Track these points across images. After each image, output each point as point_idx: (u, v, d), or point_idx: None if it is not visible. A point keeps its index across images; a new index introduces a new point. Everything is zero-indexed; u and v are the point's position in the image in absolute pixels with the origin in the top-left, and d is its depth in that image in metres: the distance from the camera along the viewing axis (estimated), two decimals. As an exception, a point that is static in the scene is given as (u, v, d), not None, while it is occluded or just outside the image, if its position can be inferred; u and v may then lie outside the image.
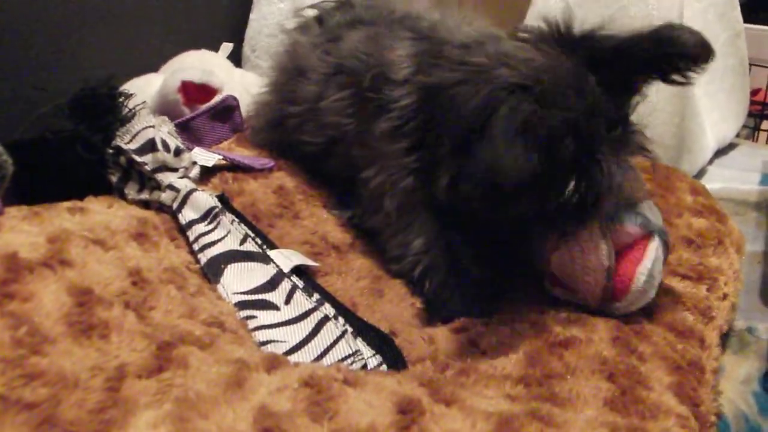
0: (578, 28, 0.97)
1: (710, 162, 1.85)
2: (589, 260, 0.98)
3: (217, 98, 1.48)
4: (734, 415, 0.98)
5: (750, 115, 3.01)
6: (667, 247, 1.04)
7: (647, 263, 0.99)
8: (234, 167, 1.27)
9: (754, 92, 3.27)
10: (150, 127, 1.15)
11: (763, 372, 1.06)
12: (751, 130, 3.20)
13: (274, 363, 0.81)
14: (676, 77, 0.95)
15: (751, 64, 2.70)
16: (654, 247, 1.01)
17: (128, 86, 1.48)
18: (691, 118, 1.67)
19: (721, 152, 1.95)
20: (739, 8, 1.97)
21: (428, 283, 1.08)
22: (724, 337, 1.09)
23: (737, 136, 2.21)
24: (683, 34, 0.92)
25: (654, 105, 1.55)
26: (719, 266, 1.16)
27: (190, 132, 1.40)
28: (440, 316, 1.05)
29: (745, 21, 2.07)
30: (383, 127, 1.09)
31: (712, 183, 1.71)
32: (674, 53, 0.93)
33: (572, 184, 0.94)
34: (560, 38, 0.98)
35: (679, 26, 0.94)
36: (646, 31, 0.93)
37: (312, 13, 1.45)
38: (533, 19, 1.67)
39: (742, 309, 1.17)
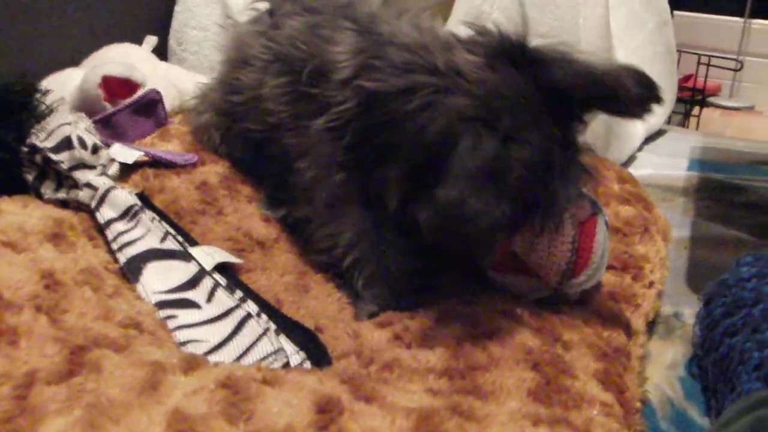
0: (530, 45, 0.94)
1: (639, 148, 1.88)
2: (555, 242, 0.98)
3: (139, 93, 1.45)
4: (660, 400, 0.99)
5: (681, 101, 3.06)
6: (607, 227, 1.05)
7: (600, 237, 1.01)
8: (156, 163, 1.25)
9: (686, 78, 3.31)
10: (66, 124, 1.12)
11: (689, 357, 1.06)
12: (682, 116, 3.25)
13: (191, 364, 0.79)
14: (623, 113, 0.95)
15: (681, 51, 2.73)
16: (602, 223, 1.03)
17: (48, 81, 1.45)
18: (619, 106, 1.68)
19: (650, 139, 1.97)
20: (666, -3, 2.00)
21: (357, 275, 1.07)
22: (651, 324, 1.10)
23: (668, 121, 2.24)
24: (627, 81, 0.89)
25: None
26: (645, 254, 1.17)
27: (112, 128, 1.38)
28: (368, 311, 1.04)
29: (676, 8, 2.10)
30: (320, 125, 1.07)
31: (642, 169, 1.73)
32: (617, 99, 0.91)
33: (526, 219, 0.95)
34: (514, 56, 0.94)
35: (626, 71, 0.91)
36: (594, 73, 0.91)
37: (264, 6, 1.43)
38: (460, 8, 1.67)
39: (669, 294, 1.19)
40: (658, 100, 0.91)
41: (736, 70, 3.58)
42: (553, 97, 0.92)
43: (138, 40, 1.74)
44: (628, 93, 0.89)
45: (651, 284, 1.12)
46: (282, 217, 1.22)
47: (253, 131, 1.25)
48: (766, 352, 0.87)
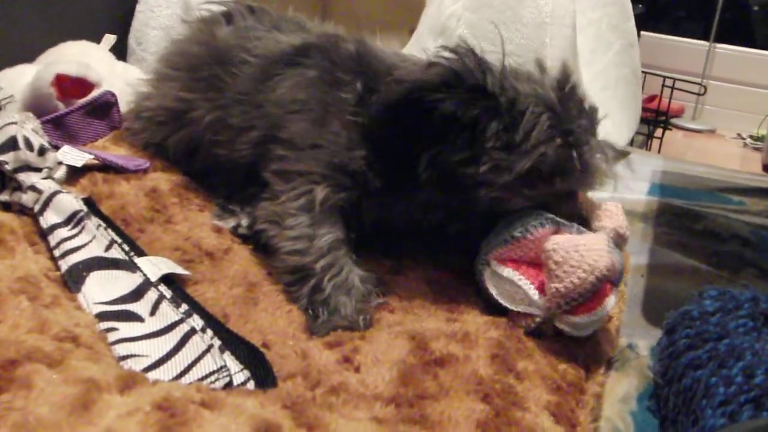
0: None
1: (601, 170, 1.86)
2: (593, 258, 0.97)
3: (94, 93, 1.41)
4: (611, 435, 0.97)
5: (644, 121, 3.07)
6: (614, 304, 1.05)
7: (610, 302, 1.00)
8: (106, 167, 1.21)
9: (650, 99, 3.33)
10: (12, 123, 1.08)
11: (642, 391, 1.05)
12: (645, 137, 3.26)
13: (128, 382, 0.76)
14: None
15: (646, 72, 2.74)
16: (615, 295, 1.02)
17: (-2, 78, 1.41)
18: (582, 127, 1.68)
19: (612, 160, 1.96)
20: (633, 20, 2.00)
21: (327, 280, 1.05)
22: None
23: (631, 142, 2.24)
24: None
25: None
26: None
27: (64, 128, 1.34)
28: (325, 328, 1.01)
29: (643, 29, 2.10)
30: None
31: (602, 192, 1.71)
32: None
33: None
34: None
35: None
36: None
37: (217, 8, 1.41)
38: (426, 22, 1.66)
39: (624, 325, 1.17)
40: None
41: (699, 94, 3.60)
42: None
43: (96, 38, 1.70)
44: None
45: (609, 319, 1.10)
46: (233, 227, 1.20)
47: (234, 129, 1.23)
48: (732, 388, 0.87)
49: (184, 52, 1.36)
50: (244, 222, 1.19)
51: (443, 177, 1.04)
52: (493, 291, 1.05)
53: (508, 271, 1.03)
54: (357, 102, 1.12)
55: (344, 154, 1.10)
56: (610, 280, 0.99)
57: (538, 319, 1.00)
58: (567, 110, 1.06)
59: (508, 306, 1.03)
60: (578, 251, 0.97)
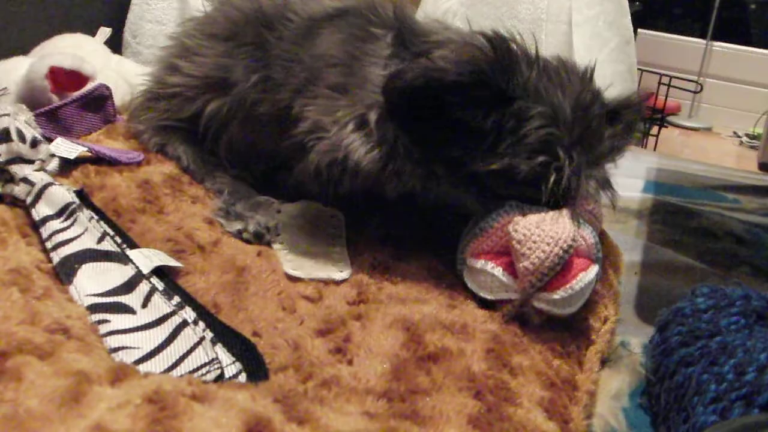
0: None
1: (596, 166, 1.86)
2: (555, 231, 0.97)
3: (88, 86, 1.41)
4: (603, 431, 0.97)
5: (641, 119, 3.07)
6: (597, 280, 1.05)
7: (590, 274, 1.00)
8: (99, 160, 1.21)
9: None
10: (5, 115, 1.08)
11: (634, 387, 1.05)
12: (641, 135, 3.26)
13: (119, 375, 0.75)
14: None
15: (643, 70, 2.74)
16: (596, 270, 1.02)
17: (-7, 69, 1.41)
18: (577, 124, 1.68)
19: (607, 158, 1.96)
20: (629, 16, 2.00)
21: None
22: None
23: (627, 140, 2.23)
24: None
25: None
26: (598, 290, 1.13)
27: (57, 121, 1.34)
28: None
29: (641, 26, 2.11)
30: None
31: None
32: None
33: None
34: None
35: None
36: None
37: None
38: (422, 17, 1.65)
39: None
40: None
41: (696, 92, 3.60)
42: None
43: (91, 31, 1.70)
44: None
45: (605, 320, 1.09)
46: (238, 231, 1.19)
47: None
48: (723, 386, 0.87)
49: (221, 21, 1.35)
50: (251, 227, 1.19)
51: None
52: (472, 285, 1.06)
53: (480, 263, 1.03)
54: (388, 55, 1.13)
55: (372, 99, 1.10)
56: (583, 253, 1.00)
57: (516, 302, 1.00)
58: (573, 130, 1.02)
59: (487, 296, 1.03)
60: (539, 227, 0.97)
